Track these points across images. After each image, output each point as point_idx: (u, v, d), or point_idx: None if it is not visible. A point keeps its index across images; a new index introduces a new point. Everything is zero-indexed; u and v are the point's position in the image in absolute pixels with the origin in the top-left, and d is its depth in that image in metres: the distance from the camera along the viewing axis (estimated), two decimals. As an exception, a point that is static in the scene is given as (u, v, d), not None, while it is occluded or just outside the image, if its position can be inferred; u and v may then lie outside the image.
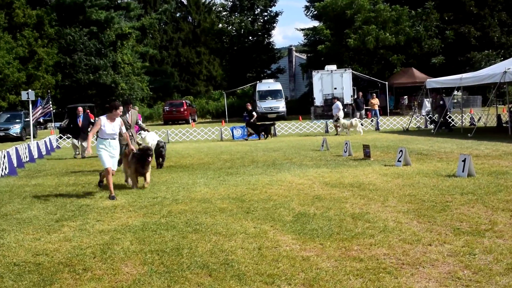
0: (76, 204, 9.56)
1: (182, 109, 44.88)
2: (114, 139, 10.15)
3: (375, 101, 33.12)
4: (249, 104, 28.86)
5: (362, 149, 15.00)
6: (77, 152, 19.72)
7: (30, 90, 22.26)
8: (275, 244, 6.32)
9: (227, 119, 43.94)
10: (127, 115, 13.04)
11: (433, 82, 25.60)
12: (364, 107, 33.68)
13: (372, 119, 30.36)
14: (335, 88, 38.13)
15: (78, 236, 7.08)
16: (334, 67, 39.31)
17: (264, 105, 41.47)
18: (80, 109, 20.44)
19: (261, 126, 25.81)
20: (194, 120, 47.01)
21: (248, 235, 6.76)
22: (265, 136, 25.43)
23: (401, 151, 12.76)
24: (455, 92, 31.00)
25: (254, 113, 26.37)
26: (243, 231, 6.96)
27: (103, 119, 10.16)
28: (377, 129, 28.12)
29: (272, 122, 27.99)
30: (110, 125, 10.10)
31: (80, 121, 20.08)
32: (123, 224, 7.72)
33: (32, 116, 23.10)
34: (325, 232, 6.70)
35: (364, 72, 42.42)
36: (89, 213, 8.62)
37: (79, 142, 19.57)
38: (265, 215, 7.83)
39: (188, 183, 11.44)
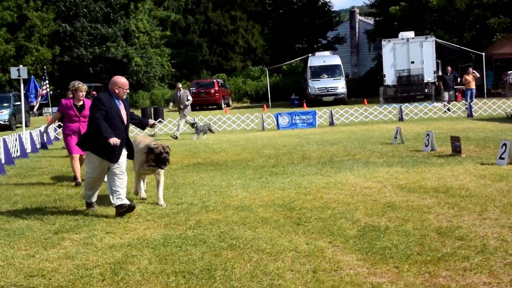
0: (80, 211, 9.72)
1: (212, 91, 45.20)
2: None
3: (471, 78, 32.36)
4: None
5: (450, 142, 14.75)
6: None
7: (21, 66, 22.77)
8: (334, 266, 6.27)
9: (270, 103, 44.01)
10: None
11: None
12: (454, 86, 32.82)
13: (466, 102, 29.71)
14: (413, 62, 37.62)
15: (83, 253, 7.19)
16: (411, 34, 38.75)
17: (318, 85, 41.34)
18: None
19: None
20: (228, 105, 47.27)
21: (300, 254, 6.73)
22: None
23: (505, 145, 12.47)
24: None
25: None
26: (293, 248, 6.93)
27: None
28: (470, 115, 27.58)
29: None
30: None
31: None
32: (139, 237, 7.81)
33: (36, 99, 23.55)
34: (401, 252, 6.61)
35: (452, 40, 41.65)
36: (97, 223, 8.74)
37: None
38: (321, 228, 7.79)
39: (221, 186, 11.49)
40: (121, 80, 9.52)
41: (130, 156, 9.68)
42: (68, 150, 12.83)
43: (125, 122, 9.50)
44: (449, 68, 32.71)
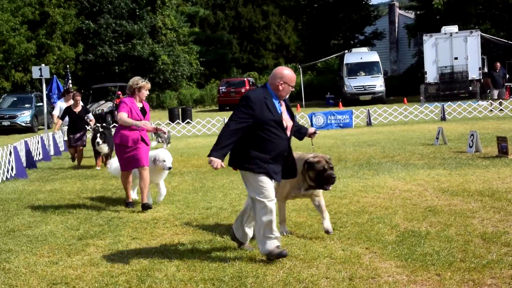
0: (105, 216, 9.84)
1: (243, 90, 45.10)
2: None
3: None
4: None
5: (496, 143, 14.60)
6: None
7: (43, 65, 23.04)
8: (372, 273, 6.27)
9: (303, 102, 43.90)
10: None
11: None
12: (504, 83, 32.26)
13: None
14: (456, 58, 37.26)
15: (108, 259, 7.28)
16: (454, 28, 38.39)
17: (354, 83, 41.14)
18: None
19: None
20: (259, 105, 47.20)
21: (335, 260, 6.74)
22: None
23: (554, 145, 12.32)
24: None
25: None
26: (328, 255, 6.95)
27: None
28: (517, 114, 27.24)
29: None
30: None
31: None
32: (167, 243, 7.89)
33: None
34: (443, 259, 6.58)
35: (499, 34, 41.13)
36: (122, 229, 8.86)
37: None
38: (358, 233, 7.80)
39: (252, 190, 11.51)
40: (289, 73, 7.05)
41: (289, 175, 7.30)
42: (121, 165, 10.52)
43: (289, 129, 7.12)
44: (498, 64, 32.13)
